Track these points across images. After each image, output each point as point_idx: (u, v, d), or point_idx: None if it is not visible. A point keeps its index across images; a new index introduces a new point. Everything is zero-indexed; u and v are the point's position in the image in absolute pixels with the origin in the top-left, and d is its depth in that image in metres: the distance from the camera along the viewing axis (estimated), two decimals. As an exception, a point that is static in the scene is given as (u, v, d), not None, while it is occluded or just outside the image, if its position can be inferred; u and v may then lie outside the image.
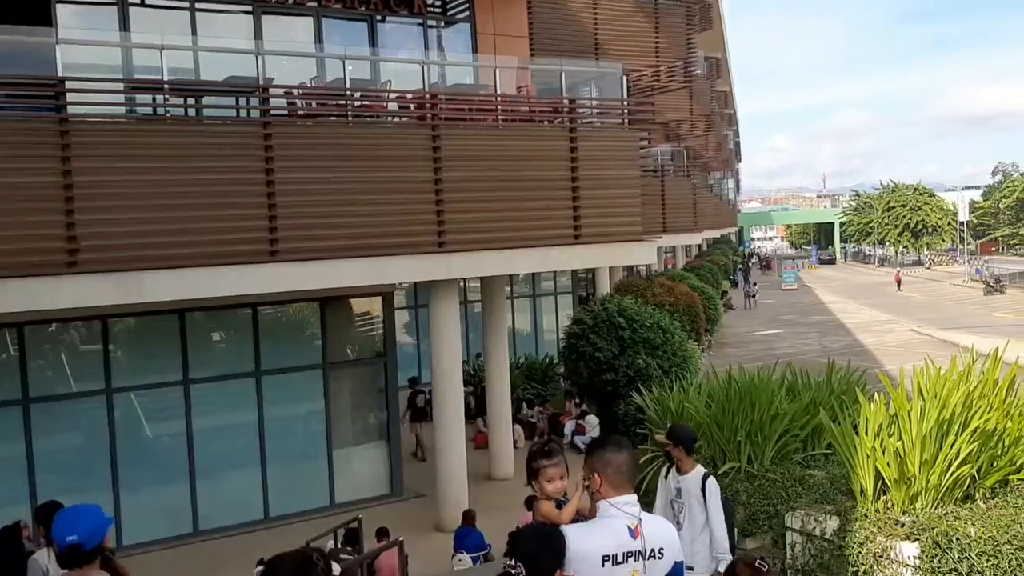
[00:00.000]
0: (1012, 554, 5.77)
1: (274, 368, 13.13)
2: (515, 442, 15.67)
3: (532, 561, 3.14)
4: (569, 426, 17.03)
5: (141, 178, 9.67)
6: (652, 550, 3.48)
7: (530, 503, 6.51)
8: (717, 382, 10.25)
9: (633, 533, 3.43)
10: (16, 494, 11.17)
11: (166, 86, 10.81)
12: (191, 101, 11.20)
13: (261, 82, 11.01)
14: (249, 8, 14.15)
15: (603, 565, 3.37)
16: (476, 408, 17.80)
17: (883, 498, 6.07)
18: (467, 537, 10.61)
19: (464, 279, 23.99)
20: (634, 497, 3.52)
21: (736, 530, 6.18)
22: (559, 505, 3.86)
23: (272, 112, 11.09)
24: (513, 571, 3.10)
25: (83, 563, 3.61)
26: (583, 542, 3.38)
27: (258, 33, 14.23)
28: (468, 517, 10.95)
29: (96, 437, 11.95)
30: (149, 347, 12.57)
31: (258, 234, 10.46)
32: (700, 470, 5.88)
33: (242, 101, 11.53)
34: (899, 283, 60.05)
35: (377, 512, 12.22)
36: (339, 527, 9.85)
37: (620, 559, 3.39)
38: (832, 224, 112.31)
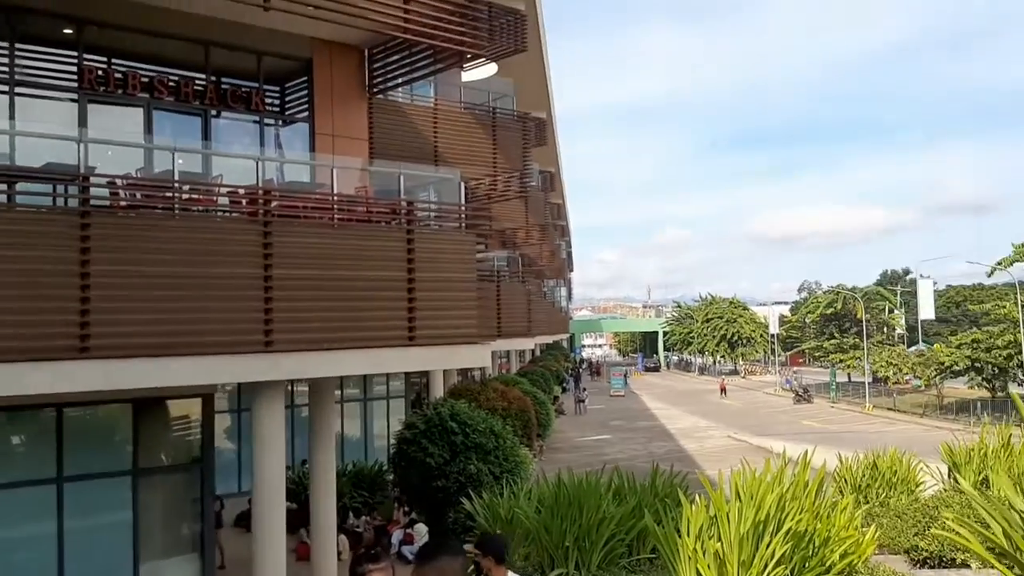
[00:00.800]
0: (824, 654, 5.97)
1: (78, 474, 12.10)
2: (339, 553, 15.02)
3: None
4: (397, 535, 16.55)
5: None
6: None
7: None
8: (547, 487, 10.28)
9: None
10: None
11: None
12: (3, 187, 10.50)
13: (82, 170, 10.49)
14: (75, 96, 13.60)
15: None
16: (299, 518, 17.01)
17: (705, 601, 6.17)
18: (284, 656, 9.95)
19: (292, 381, 23.28)
20: None
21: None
22: None
23: (93, 202, 10.55)
24: None
25: None
26: None
27: (83, 121, 13.66)
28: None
29: None
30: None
31: (68, 328, 9.77)
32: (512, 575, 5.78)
33: (60, 189, 10.94)
34: (723, 390, 63.28)
35: (185, 632, 11.30)
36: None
37: None
38: (656, 333, 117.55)
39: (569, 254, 76.07)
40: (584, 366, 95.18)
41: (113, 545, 12.50)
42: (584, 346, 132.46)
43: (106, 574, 12.38)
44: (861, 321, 64.09)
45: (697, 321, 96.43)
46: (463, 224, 14.55)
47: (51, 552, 11.82)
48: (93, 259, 9.96)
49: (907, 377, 58.46)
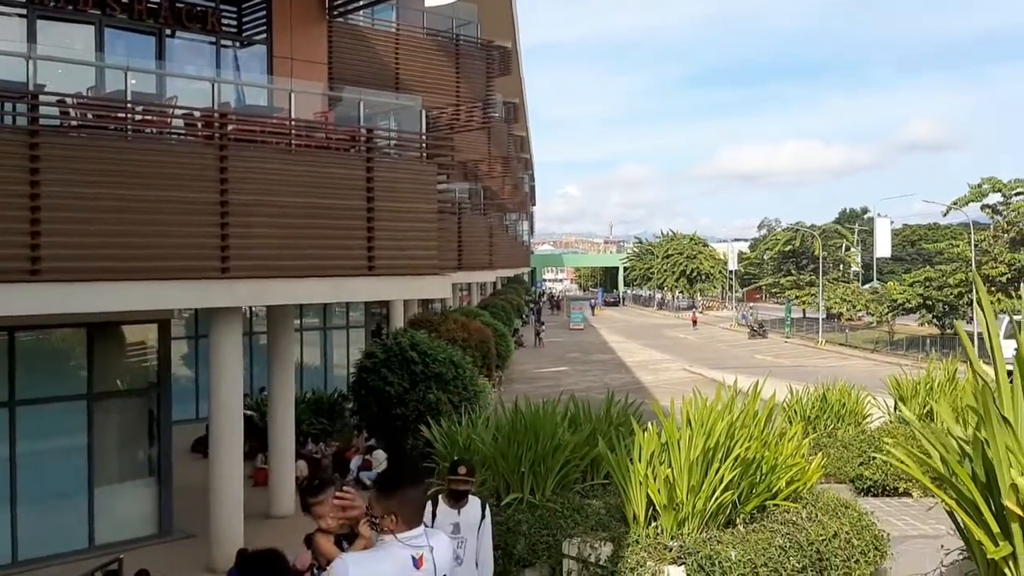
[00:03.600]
0: (767, 575, 6.19)
1: (31, 398, 11.98)
2: (297, 479, 15.12)
3: None
4: (355, 461, 16.69)
5: None
6: None
7: (309, 540, 6.27)
8: (504, 415, 10.40)
9: (417, 563, 3.35)
10: None
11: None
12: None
13: (31, 88, 10.14)
14: (23, 11, 13.10)
15: None
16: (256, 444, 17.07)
17: (654, 524, 6.34)
18: (241, 578, 10.07)
19: (250, 309, 23.12)
20: (421, 529, 3.44)
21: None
22: (343, 539, 3.69)
23: (43, 122, 10.24)
24: None
25: None
26: (363, 571, 3.26)
27: (32, 37, 13.18)
28: (241, 556, 10.40)
29: None
30: None
31: (19, 251, 9.57)
32: (477, 501, 5.88)
33: (8, 108, 10.59)
34: (695, 322, 65.29)
35: (143, 553, 11.36)
36: (96, 570, 9.07)
37: None
38: (617, 268, 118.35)
39: (532, 188, 75.86)
40: (545, 300, 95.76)
41: (68, 469, 12.46)
42: (545, 280, 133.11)
43: (60, 498, 12.35)
44: (818, 258, 65.03)
45: (657, 257, 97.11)
46: (424, 154, 14.38)
47: (3, 476, 11.76)
48: (43, 180, 9.71)
49: (860, 314, 59.67)
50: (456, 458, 6.32)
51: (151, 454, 13.38)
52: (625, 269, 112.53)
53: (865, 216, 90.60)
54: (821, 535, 6.85)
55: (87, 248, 10.07)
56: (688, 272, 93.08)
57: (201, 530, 12.50)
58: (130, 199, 10.45)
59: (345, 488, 3.72)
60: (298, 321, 23.66)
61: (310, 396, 20.84)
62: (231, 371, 12.14)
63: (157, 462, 13.27)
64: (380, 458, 16.15)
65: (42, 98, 10.37)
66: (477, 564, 5.65)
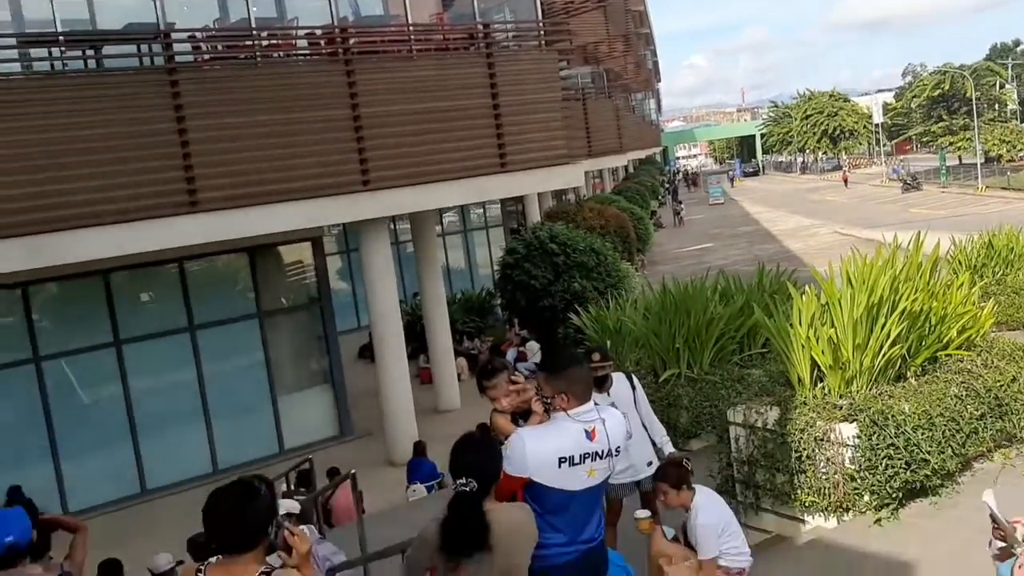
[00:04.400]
0: (944, 425, 6.02)
1: (208, 321, 12.89)
2: (459, 375, 15.74)
3: (480, 473, 3.16)
4: (511, 354, 17.13)
5: (41, 136, 9.25)
6: (611, 449, 3.52)
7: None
8: (652, 295, 10.39)
9: (590, 436, 3.46)
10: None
11: (61, 38, 10.31)
12: (90, 52, 10.68)
13: (162, 27, 10.54)
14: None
15: (559, 466, 3.40)
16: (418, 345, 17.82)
17: (820, 385, 6.25)
18: (419, 468, 10.70)
19: (393, 219, 23.77)
20: (591, 404, 3.54)
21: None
22: (518, 417, 3.82)
23: (176, 58, 10.66)
24: (467, 487, 3.11)
25: (18, 561, 3.56)
26: (540, 445, 3.40)
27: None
28: (419, 448, 11.03)
29: (28, 408, 11.62)
30: (75, 312, 12.19)
31: (175, 185, 10.16)
32: (622, 376, 5.95)
33: (144, 49, 11.07)
34: (846, 182, 62.77)
35: (327, 453, 12.22)
36: (290, 470, 9.83)
37: (577, 460, 3.43)
38: (753, 136, 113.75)
39: (655, 64, 73.29)
40: (680, 178, 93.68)
41: (250, 382, 13.41)
42: (678, 158, 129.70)
43: (247, 410, 13.35)
44: (971, 100, 60.37)
45: (795, 119, 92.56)
46: (542, 42, 14.13)
47: (195, 395, 12.80)
48: (188, 115, 10.18)
49: (1021, 153, 55.47)
50: (587, 348, 6.41)
51: (323, 363, 14.19)
52: (762, 136, 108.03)
53: (1018, 49, 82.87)
54: (999, 381, 6.57)
55: (238, 176, 10.56)
56: (830, 131, 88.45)
57: (377, 428, 13.30)
58: (269, 124, 10.83)
59: (517, 371, 3.85)
60: (439, 227, 24.20)
61: (460, 296, 21.47)
62: (384, 280, 12.61)
63: (329, 370, 14.09)
64: (534, 349, 16.52)
65: (174, 36, 10.76)
66: (647, 430, 5.75)
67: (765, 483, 6.23)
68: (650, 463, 5.76)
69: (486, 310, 20.84)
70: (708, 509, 4.74)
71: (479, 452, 3.23)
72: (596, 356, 5.73)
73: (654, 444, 5.83)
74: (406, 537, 4.62)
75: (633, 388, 5.82)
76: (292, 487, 9.58)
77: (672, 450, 5.74)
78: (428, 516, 3.46)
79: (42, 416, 11.64)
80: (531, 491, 3.39)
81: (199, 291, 12.98)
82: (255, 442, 13.05)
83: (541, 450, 3.39)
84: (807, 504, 5.99)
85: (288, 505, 7.51)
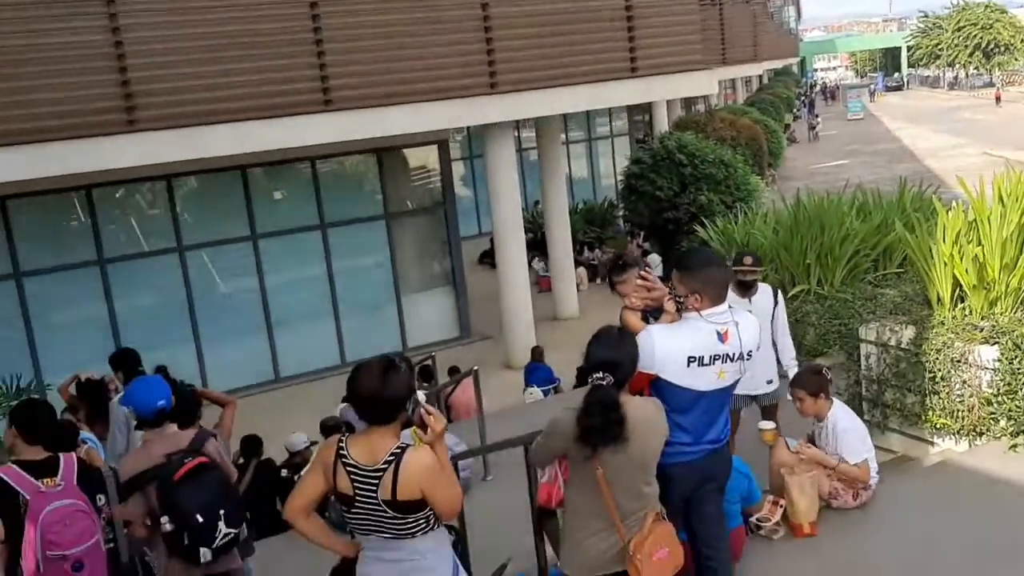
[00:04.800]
0: (1098, 353, 5.69)
1: (338, 220, 13.28)
2: (578, 285, 15.79)
3: (614, 367, 3.17)
4: (632, 266, 17.05)
5: (192, 31, 9.59)
6: (743, 353, 3.47)
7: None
8: (785, 207, 10.06)
9: (722, 337, 3.41)
10: (104, 352, 11.71)
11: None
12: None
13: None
14: None
15: (688, 365, 3.38)
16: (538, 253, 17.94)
17: (960, 306, 5.97)
18: (536, 372, 10.87)
19: (518, 127, 23.68)
20: (725, 306, 3.47)
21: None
22: (649, 315, 3.78)
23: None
24: (602, 381, 3.13)
25: (164, 423, 3.85)
26: (669, 343, 3.38)
27: None
28: (536, 353, 11.19)
29: (173, 294, 12.36)
30: (214, 205, 12.79)
31: (311, 83, 10.39)
32: (768, 288, 5.83)
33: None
34: (999, 99, 58.37)
35: (448, 353, 12.57)
36: (413, 366, 10.15)
37: (707, 361, 3.40)
38: (899, 49, 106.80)
39: (797, -32, 69.25)
40: (817, 91, 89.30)
41: (376, 281, 13.84)
42: (816, 70, 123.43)
43: (373, 307, 13.82)
44: None
45: (947, 31, 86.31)
46: (680, -59, 13.54)
47: (325, 291, 13.32)
48: (322, 13, 10.32)
49: None
50: (739, 252, 6.25)
51: (445, 266, 14.47)
52: (908, 49, 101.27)
53: None
54: None
55: (369, 75, 10.69)
56: (983, 45, 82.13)
57: (495, 333, 13.56)
58: (397, 24, 10.86)
59: (648, 269, 3.79)
60: (563, 135, 23.98)
61: (581, 206, 21.35)
62: (508, 185, 12.65)
63: (451, 273, 14.37)
64: (655, 262, 16.35)
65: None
66: (775, 347, 5.67)
67: (894, 403, 6.06)
68: (770, 381, 5.69)
69: (608, 221, 20.69)
70: (848, 416, 4.72)
71: (615, 347, 3.24)
72: (748, 260, 5.62)
73: (779, 365, 5.75)
74: (524, 433, 4.74)
75: (775, 303, 5.71)
76: (416, 381, 9.92)
77: (796, 365, 5.65)
78: (545, 417, 3.52)
79: (186, 303, 12.36)
80: (659, 389, 3.39)
81: (330, 191, 13.37)
82: (380, 338, 13.49)
83: (670, 348, 3.38)
84: (938, 426, 5.81)
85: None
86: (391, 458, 2.90)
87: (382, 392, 2.90)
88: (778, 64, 49.63)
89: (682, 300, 3.45)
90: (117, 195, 12.26)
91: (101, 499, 3.98)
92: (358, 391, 2.93)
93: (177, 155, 9.70)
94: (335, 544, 3.20)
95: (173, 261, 12.29)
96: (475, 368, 7.82)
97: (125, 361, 6.01)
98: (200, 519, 3.72)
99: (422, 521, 2.95)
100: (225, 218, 12.66)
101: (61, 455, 3.97)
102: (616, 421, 3.07)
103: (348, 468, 2.93)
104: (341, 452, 2.96)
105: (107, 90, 9.18)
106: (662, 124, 24.92)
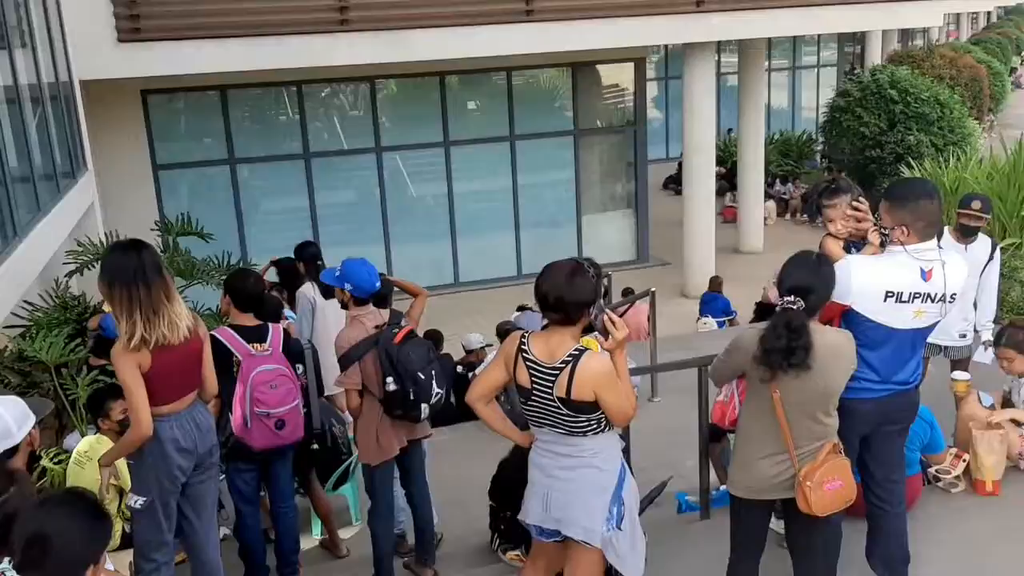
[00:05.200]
0: None
1: (527, 133, 13.39)
2: (765, 219, 15.29)
3: (806, 292, 3.07)
4: (824, 205, 16.30)
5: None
6: (946, 295, 3.26)
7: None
8: (1004, 152, 9.32)
9: (925, 275, 3.21)
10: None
11: None
12: None
13: None
14: None
15: (885, 300, 3.22)
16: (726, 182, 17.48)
17: None
18: (713, 302, 10.72)
19: (719, 49, 22.82)
20: (933, 243, 3.25)
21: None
22: (852, 246, 3.62)
23: None
24: (793, 306, 3.06)
25: (370, 302, 4.15)
26: (868, 275, 3.23)
27: None
28: (715, 283, 11.01)
29: (368, 193, 12.94)
30: (412, 109, 13.18)
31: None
32: (987, 240, 5.43)
33: None
34: None
35: (624, 275, 12.54)
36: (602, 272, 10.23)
37: (905, 298, 3.22)
38: None
39: None
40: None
41: (559, 198, 13.92)
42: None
43: (553, 224, 13.94)
44: None
45: None
46: None
47: (509, 203, 13.55)
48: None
49: None
50: (969, 194, 5.83)
51: (629, 188, 14.35)
52: None
53: None
54: None
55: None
56: None
57: (675, 259, 13.41)
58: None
59: (861, 199, 3.61)
60: (766, 61, 22.95)
61: (778, 137, 20.51)
62: (703, 110, 12.30)
63: (634, 195, 14.24)
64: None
65: None
66: (975, 304, 5.32)
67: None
68: (963, 335, 5.36)
69: (804, 155, 19.80)
70: None
71: (812, 271, 3.12)
72: (976, 204, 5.26)
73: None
74: (695, 356, 4.72)
75: (991, 259, 5.34)
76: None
77: (990, 338, 5.27)
78: (719, 347, 3.48)
79: (379, 203, 12.92)
80: (851, 321, 3.26)
81: (522, 103, 13.45)
82: (557, 254, 13.28)
83: (868, 280, 3.22)
84: None
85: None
86: (569, 358, 2.97)
87: (568, 293, 2.96)
88: (1011, 0, 44.97)
89: (887, 233, 3.28)
90: (323, 94, 12.86)
91: (299, 368, 4.32)
92: (545, 289, 3.00)
93: (383, 56, 10.02)
94: (511, 432, 3.34)
95: (370, 161, 12.82)
96: (652, 289, 7.80)
97: (307, 254, 6.44)
98: (422, 376, 4.00)
99: (594, 422, 3.02)
100: (421, 123, 13.02)
101: (270, 324, 4.31)
102: (801, 347, 2.99)
103: (528, 363, 3.04)
104: (523, 347, 3.07)
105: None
106: (874, 57, 23.36)
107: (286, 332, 4.36)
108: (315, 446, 4.56)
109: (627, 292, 10.40)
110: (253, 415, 4.06)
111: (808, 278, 3.10)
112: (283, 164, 12.44)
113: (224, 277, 5.24)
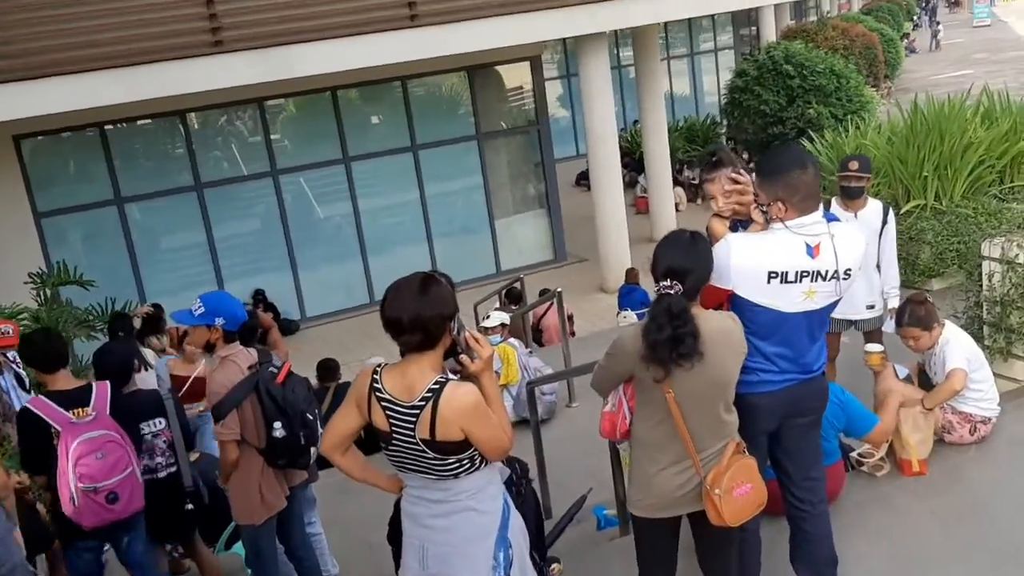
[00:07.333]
0: None
1: (430, 141, 13.06)
2: (676, 205, 15.22)
3: (683, 274, 2.78)
4: (735, 184, 16.34)
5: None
6: (839, 271, 2.97)
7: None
8: (901, 115, 9.31)
9: (812, 252, 2.94)
10: (206, 275, 11.97)
11: None
12: None
13: None
14: None
15: (768, 282, 2.95)
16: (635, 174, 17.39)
17: (1100, 221, 5.35)
18: (631, 294, 10.51)
19: (617, 43, 22.82)
20: (817, 215, 2.98)
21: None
22: (739, 225, 3.35)
23: None
24: (670, 290, 2.76)
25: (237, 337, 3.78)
26: (747, 254, 2.96)
27: None
28: (631, 275, 10.81)
29: (269, 220, 12.46)
30: (307, 128, 12.74)
31: (395, -1, 10.07)
32: (879, 203, 5.29)
33: None
34: None
35: (542, 275, 12.35)
36: (501, 288, 9.97)
37: (791, 277, 2.94)
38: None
39: None
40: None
41: (469, 204, 13.62)
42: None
43: (466, 231, 13.64)
44: None
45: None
46: None
47: (418, 214, 13.19)
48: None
49: None
50: (847, 155, 5.70)
51: (539, 188, 14.13)
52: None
53: None
54: None
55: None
56: None
57: (591, 255, 13.21)
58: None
59: (741, 171, 3.31)
60: (665, 51, 23.01)
61: (682, 124, 20.55)
62: (602, 101, 12.11)
63: (545, 195, 14.03)
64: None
65: None
66: (879, 270, 5.17)
67: (1020, 327, 5.49)
68: (871, 306, 5.22)
69: (710, 138, 19.85)
70: (959, 337, 4.30)
71: (685, 252, 2.81)
72: (853, 165, 5.08)
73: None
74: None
75: (885, 222, 5.18)
76: (503, 303, 9.74)
77: (895, 305, 5.12)
78: None
79: (281, 228, 12.43)
80: (737, 307, 2.98)
81: (421, 111, 13.11)
82: (473, 262, 13.35)
83: (748, 260, 2.94)
84: (1070, 353, 5.25)
85: (500, 317, 7.64)
86: (429, 393, 2.57)
87: (425, 308, 2.56)
88: (898, -31, 46.36)
89: (766, 209, 3.02)
90: (210, 120, 12.32)
91: (160, 423, 3.90)
92: (397, 312, 2.58)
93: (264, 76, 9.55)
94: (377, 480, 2.93)
95: (267, 186, 12.34)
96: (558, 290, 7.52)
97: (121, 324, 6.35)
98: (310, 416, 3.69)
99: (465, 461, 2.63)
100: (317, 141, 12.58)
101: (94, 383, 3.86)
102: (688, 334, 2.69)
103: (383, 403, 2.62)
104: (375, 385, 2.64)
105: (191, 11, 9.09)
106: (770, 36, 23.62)
107: (115, 390, 3.89)
108: (190, 506, 4.11)
109: (543, 292, 10.13)
110: (79, 491, 3.61)
111: (683, 259, 2.80)
112: (174, 198, 11.87)
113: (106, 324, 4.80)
